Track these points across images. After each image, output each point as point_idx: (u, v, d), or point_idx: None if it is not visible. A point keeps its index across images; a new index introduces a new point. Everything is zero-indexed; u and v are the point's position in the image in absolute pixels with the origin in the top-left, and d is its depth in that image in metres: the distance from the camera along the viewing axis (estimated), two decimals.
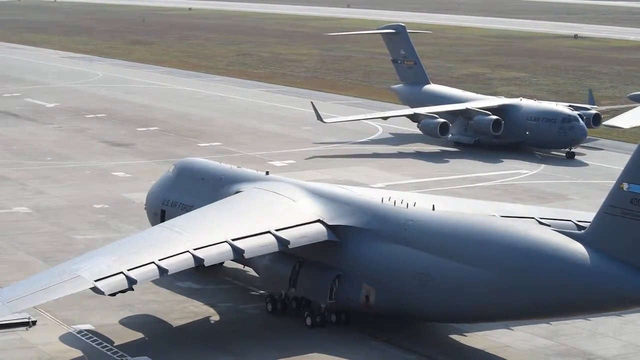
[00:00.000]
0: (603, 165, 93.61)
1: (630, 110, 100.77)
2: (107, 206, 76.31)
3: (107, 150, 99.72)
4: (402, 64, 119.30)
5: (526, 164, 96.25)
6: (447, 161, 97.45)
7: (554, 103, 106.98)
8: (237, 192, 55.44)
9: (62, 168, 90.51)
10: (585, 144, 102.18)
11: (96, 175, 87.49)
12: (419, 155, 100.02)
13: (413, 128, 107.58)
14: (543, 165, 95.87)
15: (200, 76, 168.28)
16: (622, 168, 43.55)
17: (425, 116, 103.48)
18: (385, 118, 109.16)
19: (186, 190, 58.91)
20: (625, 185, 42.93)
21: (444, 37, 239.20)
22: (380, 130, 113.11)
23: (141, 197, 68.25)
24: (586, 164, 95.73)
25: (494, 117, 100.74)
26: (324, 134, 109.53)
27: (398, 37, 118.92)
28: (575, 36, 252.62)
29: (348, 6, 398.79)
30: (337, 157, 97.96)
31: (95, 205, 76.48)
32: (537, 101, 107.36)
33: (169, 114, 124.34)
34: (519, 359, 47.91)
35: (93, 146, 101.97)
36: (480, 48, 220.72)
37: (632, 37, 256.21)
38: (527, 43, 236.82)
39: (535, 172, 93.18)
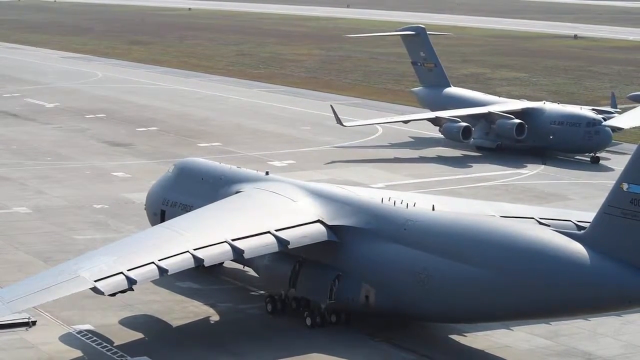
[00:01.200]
0: None
1: (630, 110, 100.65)
2: (107, 206, 76.32)
3: (107, 150, 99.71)
4: (422, 67, 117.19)
5: (526, 164, 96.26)
6: (447, 161, 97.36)
7: (578, 107, 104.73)
8: (237, 192, 55.45)
9: (62, 168, 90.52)
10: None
11: (96, 175, 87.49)
12: (418, 155, 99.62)
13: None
14: (543, 165, 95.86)
15: (199, 76, 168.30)
16: None
17: (447, 120, 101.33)
18: (406, 122, 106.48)
19: (186, 191, 58.92)
20: (625, 186, 42.93)
21: (444, 37, 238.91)
22: (380, 130, 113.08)
23: (141, 197, 68.26)
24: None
25: (517, 120, 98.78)
26: (323, 134, 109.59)
27: (418, 39, 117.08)
28: (575, 36, 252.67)
29: (348, 6, 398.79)
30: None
31: (95, 205, 76.48)
32: (560, 105, 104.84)
33: (168, 114, 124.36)
34: (519, 359, 47.91)
35: (93, 146, 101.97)
36: (480, 48, 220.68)
37: (631, 37, 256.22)
38: (527, 43, 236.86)
39: (535, 172, 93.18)
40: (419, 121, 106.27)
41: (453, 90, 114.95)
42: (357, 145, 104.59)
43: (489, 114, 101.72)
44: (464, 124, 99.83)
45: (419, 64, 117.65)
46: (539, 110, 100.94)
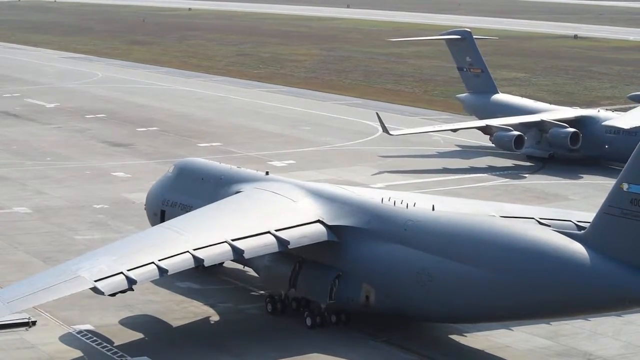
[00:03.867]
0: None
1: (630, 110, 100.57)
2: (107, 206, 76.31)
3: (107, 151, 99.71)
4: (468, 72, 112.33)
5: (526, 163, 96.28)
6: (448, 161, 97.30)
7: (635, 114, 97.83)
8: (237, 192, 55.44)
9: (62, 168, 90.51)
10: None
11: (96, 175, 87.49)
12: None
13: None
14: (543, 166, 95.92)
15: (200, 76, 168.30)
16: None
17: (499, 128, 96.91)
18: (454, 130, 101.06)
19: (186, 191, 58.92)
20: (625, 186, 42.92)
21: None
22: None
23: (141, 197, 68.26)
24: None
25: (572, 129, 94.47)
26: (323, 134, 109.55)
27: (463, 43, 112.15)
28: (575, 36, 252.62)
29: (348, 6, 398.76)
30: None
31: (95, 205, 76.48)
32: (615, 112, 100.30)
33: (168, 114, 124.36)
34: (519, 359, 47.90)
35: (93, 146, 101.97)
36: (480, 48, 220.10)
37: (631, 37, 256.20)
38: (527, 43, 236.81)
39: (535, 172, 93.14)
40: (468, 130, 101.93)
41: (501, 96, 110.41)
42: (358, 144, 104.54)
43: (542, 122, 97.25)
44: (517, 132, 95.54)
45: (465, 69, 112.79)
46: (594, 119, 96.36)
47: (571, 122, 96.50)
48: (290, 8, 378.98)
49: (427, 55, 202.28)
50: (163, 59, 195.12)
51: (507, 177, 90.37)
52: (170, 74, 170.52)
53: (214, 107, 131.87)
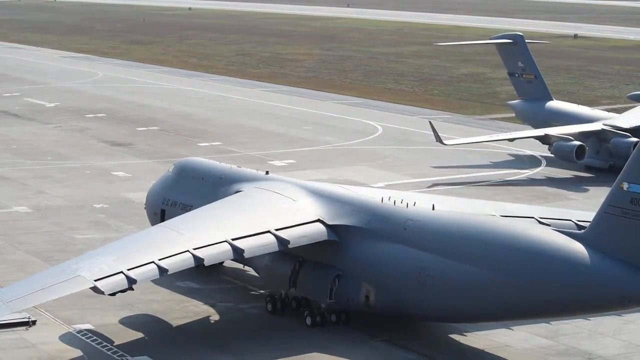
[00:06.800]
0: None
1: (630, 110, 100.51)
2: (107, 206, 76.31)
3: (107, 150, 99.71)
4: (520, 78, 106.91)
5: (526, 164, 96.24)
6: (447, 161, 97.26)
7: None
8: (237, 191, 55.44)
9: (62, 168, 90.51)
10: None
11: (96, 175, 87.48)
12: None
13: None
14: (543, 165, 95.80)
15: (200, 76, 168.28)
16: None
17: (559, 138, 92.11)
18: (511, 140, 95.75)
19: (186, 190, 58.93)
20: (625, 185, 42.93)
21: (443, 37, 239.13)
22: (380, 130, 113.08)
23: (141, 196, 68.24)
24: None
25: (635, 139, 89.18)
26: (323, 134, 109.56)
27: (515, 47, 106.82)
28: (575, 36, 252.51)
29: (348, 6, 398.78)
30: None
31: (95, 205, 76.48)
32: None
33: (169, 113, 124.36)
34: (519, 359, 47.89)
35: (93, 146, 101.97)
36: (480, 48, 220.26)
37: (632, 37, 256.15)
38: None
39: (535, 172, 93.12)
40: (525, 139, 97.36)
41: (557, 104, 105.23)
42: (358, 144, 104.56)
43: (602, 131, 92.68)
44: (578, 142, 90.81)
45: (517, 75, 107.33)
46: None
47: (632, 130, 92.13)
48: (290, 8, 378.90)
49: (427, 55, 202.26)
50: (163, 59, 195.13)
51: (507, 177, 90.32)
52: (171, 74, 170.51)
53: (214, 106, 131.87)
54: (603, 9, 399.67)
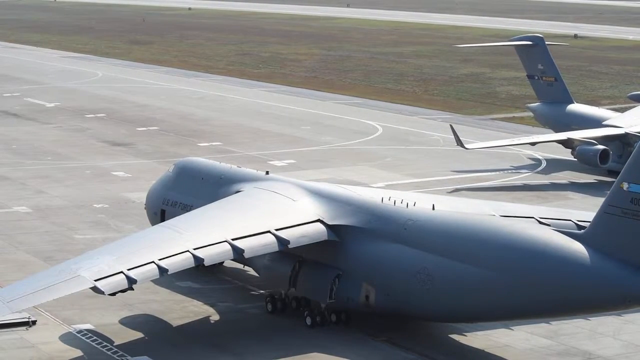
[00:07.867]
0: None
1: (630, 110, 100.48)
2: (107, 206, 76.33)
3: (107, 150, 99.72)
4: (540, 80, 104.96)
5: (526, 164, 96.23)
6: (449, 163, 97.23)
7: None
8: (237, 191, 55.47)
9: (62, 168, 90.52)
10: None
11: (96, 175, 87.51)
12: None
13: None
14: (543, 165, 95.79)
15: (200, 76, 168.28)
16: None
17: (582, 142, 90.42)
18: (533, 144, 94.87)
19: (186, 190, 58.95)
20: (625, 185, 42.94)
21: (443, 37, 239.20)
22: (380, 130, 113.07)
23: (141, 196, 68.31)
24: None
25: None
26: (323, 134, 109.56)
27: (535, 49, 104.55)
28: (575, 36, 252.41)
29: (348, 6, 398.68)
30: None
31: (95, 205, 76.50)
32: None
33: (168, 113, 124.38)
34: (519, 359, 47.89)
35: (93, 146, 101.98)
36: (480, 47, 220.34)
37: (631, 37, 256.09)
38: None
39: (535, 172, 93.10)
40: (547, 143, 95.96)
41: (578, 107, 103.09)
42: (358, 144, 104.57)
43: (625, 135, 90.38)
44: (601, 146, 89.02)
45: (537, 78, 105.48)
46: None
47: None
48: (291, 8, 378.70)
49: (427, 55, 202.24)
50: (163, 59, 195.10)
51: (507, 177, 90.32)
52: (171, 74, 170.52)
53: (214, 106, 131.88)
54: (602, 9, 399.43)
